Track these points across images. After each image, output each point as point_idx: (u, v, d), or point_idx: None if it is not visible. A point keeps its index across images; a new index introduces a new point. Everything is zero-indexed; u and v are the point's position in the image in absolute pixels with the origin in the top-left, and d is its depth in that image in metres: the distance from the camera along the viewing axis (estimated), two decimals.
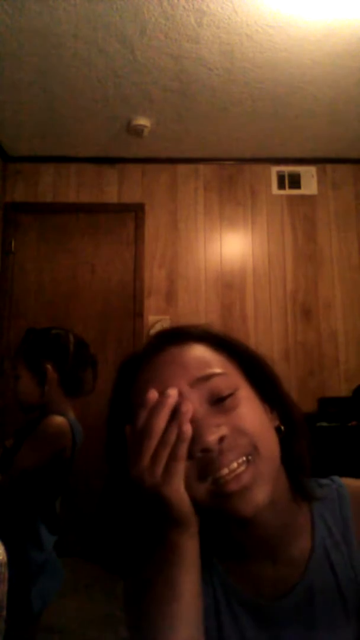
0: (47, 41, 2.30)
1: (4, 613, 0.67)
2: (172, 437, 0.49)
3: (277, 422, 0.57)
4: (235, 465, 0.50)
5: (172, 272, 3.33)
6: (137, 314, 3.26)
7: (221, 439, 0.50)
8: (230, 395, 0.52)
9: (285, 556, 0.57)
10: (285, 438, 0.57)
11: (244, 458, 0.50)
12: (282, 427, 0.57)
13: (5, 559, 0.68)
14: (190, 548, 0.51)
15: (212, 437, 0.49)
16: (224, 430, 0.50)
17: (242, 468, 0.50)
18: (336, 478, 0.62)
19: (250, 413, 0.53)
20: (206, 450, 0.49)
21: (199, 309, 3.27)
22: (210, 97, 2.75)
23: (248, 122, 3.00)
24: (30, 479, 1.23)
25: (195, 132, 3.13)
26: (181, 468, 0.49)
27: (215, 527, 0.56)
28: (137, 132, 3.03)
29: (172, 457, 0.49)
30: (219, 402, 0.52)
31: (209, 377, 0.53)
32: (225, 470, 0.49)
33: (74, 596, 2.31)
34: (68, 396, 1.37)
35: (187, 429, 0.49)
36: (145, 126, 2.99)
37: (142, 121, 2.96)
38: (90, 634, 2.06)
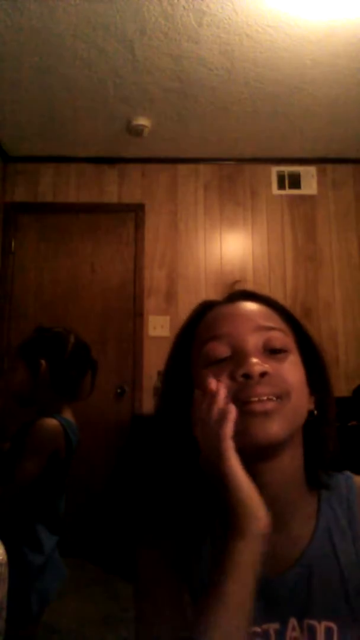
0: (47, 41, 2.30)
1: (4, 613, 0.67)
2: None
3: (312, 406, 0.60)
4: (265, 398, 0.54)
5: (172, 272, 3.33)
6: (137, 314, 3.26)
7: (263, 374, 0.54)
8: (283, 351, 0.58)
9: (289, 532, 0.59)
10: (314, 423, 0.60)
11: (275, 398, 0.54)
12: (315, 412, 0.61)
13: (5, 559, 0.68)
14: (247, 559, 0.50)
15: (257, 367, 0.54)
16: (268, 369, 0.55)
17: (271, 403, 0.54)
18: (347, 472, 0.65)
19: (295, 371, 0.58)
20: (247, 375, 0.54)
21: None
22: (210, 97, 2.75)
23: (248, 122, 3.00)
24: (30, 487, 1.23)
25: (195, 132, 3.13)
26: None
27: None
28: (137, 132, 3.03)
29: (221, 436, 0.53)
30: (271, 352, 0.57)
31: (269, 328, 0.59)
32: (255, 398, 0.54)
33: (74, 596, 2.31)
34: (60, 396, 1.37)
35: (232, 409, 0.54)
36: (145, 126, 2.99)
37: (142, 121, 2.96)
38: (90, 634, 2.06)
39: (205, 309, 0.65)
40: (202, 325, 0.63)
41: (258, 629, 0.56)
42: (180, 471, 0.61)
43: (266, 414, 0.53)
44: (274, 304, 0.64)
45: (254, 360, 0.55)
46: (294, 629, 0.55)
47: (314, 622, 0.55)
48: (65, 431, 1.30)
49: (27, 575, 1.21)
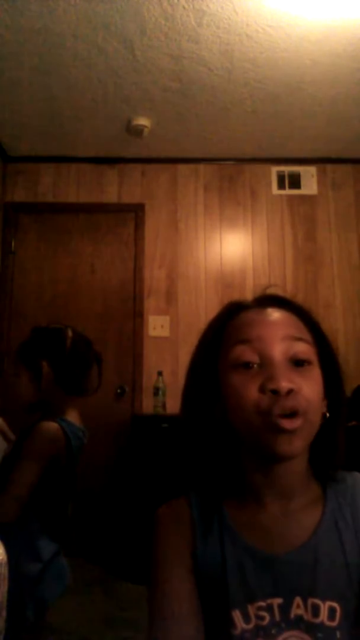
0: (47, 41, 2.30)
1: (4, 613, 0.67)
2: None
3: (324, 409, 0.64)
4: (289, 412, 0.58)
5: (172, 272, 3.33)
6: (137, 314, 3.26)
7: (289, 391, 0.58)
8: (307, 363, 0.61)
9: (296, 517, 0.63)
10: (325, 424, 0.64)
11: (299, 412, 0.58)
12: (327, 414, 0.64)
13: (5, 558, 0.68)
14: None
15: (285, 384, 0.58)
16: (295, 386, 0.58)
17: (298, 421, 0.58)
18: (355, 472, 0.68)
19: (315, 388, 0.61)
20: (276, 391, 0.57)
21: (199, 309, 3.27)
22: (210, 97, 2.75)
23: (248, 122, 3.00)
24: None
25: (195, 132, 3.13)
26: None
27: (235, 472, 0.65)
28: (137, 132, 3.03)
29: None
30: (296, 364, 0.61)
31: (297, 339, 0.62)
32: (280, 412, 0.57)
33: (74, 596, 2.30)
34: (69, 395, 1.33)
35: None
36: (145, 126, 2.99)
37: (142, 121, 2.96)
38: (90, 634, 2.06)
39: (234, 310, 0.68)
40: (231, 326, 0.66)
41: (263, 603, 0.59)
42: (208, 446, 0.67)
43: (293, 431, 0.57)
44: (302, 312, 0.67)
45: (282, 376, 0.58)
46: (298, 606, 0.59)
47: (318, 601, 0.58)
48: (66, 435, 1.26)
49: (23, 583, 1.16)
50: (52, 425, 1.25)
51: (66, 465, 1.27)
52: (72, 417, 1.33)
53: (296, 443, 0.57)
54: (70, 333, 1.35)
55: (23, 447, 1.24)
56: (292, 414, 0.57)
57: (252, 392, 0.59)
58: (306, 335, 0.64)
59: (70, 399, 1.34)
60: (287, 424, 0.56)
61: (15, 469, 1.20)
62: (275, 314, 0.65)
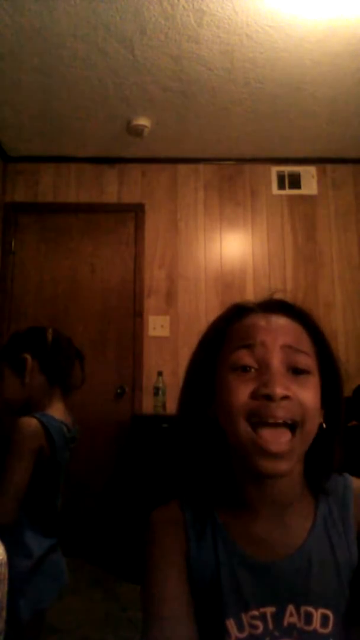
0: (47, 41, 2.30)
1: (4, 613, 0.67)
2: None
3: (321, 419, 0.64)
4: (281, 422, 0.57)
5: (172, 272, 3.33)
6: (137, 314, 3.26)
7: (284, 397, 0.57)
8: (305, 372, 0.60)
9: (289, 525, 0.63)
10: (321, 434, 0.63)
11: (290, 422, 0.57)
12: (324, 425, 0.64)
13: (5, 558, 0.67)
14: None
15: (280, 390, 0.57)
16: (290, 393, 0.58)
17: (287, 437, 0.57)
18: (346, 474, 0.68)
19: (313, 397, 0.60)
20: (269, 396, 0.57)
21: (199, 309, 3.27)
22: (210, 97, 2.75)
23: (248, 122, 3.00)
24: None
25: (195, 132, 3.13)
26: None
27: (228, 478, 0.65)
28: (137, 132, 3.03)
29: None
30: (294, 372, 0.60)
31: (297, 350, 0.61)
32: (272, 420, 0.57)
33: (74, 596, 2.31)
34: (53, 385, 1.34)
35: None
36: (145, 126, 2.99)
37: (142, 121, 2.96)
38: (90, 634, 2.06)
39: (238, 312, 0.67)
40: (234, 329, 0.65)
41: (256, 612, 0.59)
42: (202, 450, 0.66)
43: (279, 454, 0.56)
44: (306, 320, 0.66)
45: (278, 382, 0.58)
46: (291, 614, 0.59)
47: (310, 609, 0.58)
48: (46, 428, 1.24)
49: (13, 579, 1.16)
50: (29, 421, 1.24)
51: (50, 458, 1.26)
52: (56, 411, 1.32)
53: (282, 466, 0.56)
54: (50, 329, 1.39)
55: (7, 455, 1.22)
56: (285, 425, 0.56)
57: (243, 395, 0.59)
58: (308, 346, 0.63)
59: (54, 392, 1.35)
60: (274, 447, 0.56)
61: (5, 468, 1.20)
62: (279, 321, 0.64)
